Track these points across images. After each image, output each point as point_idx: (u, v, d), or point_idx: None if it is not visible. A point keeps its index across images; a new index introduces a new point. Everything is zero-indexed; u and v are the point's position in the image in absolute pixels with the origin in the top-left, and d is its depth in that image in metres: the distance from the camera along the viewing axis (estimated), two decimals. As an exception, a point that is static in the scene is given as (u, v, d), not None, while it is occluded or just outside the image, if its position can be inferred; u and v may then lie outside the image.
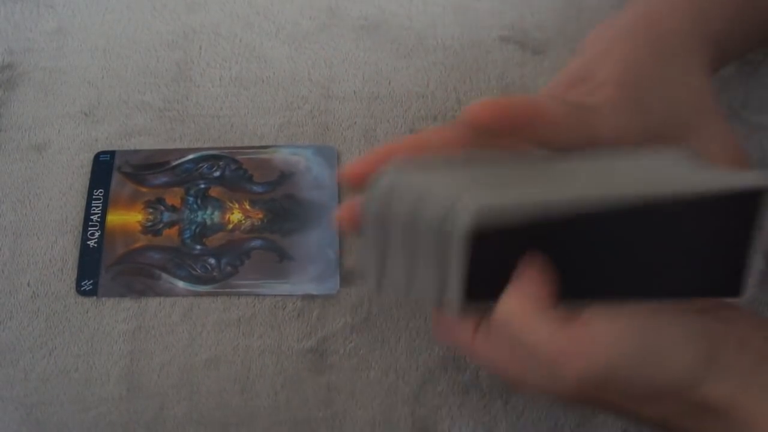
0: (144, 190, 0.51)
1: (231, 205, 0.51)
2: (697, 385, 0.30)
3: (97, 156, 0.52)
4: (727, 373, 0.30)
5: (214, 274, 0.48)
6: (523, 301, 0.30)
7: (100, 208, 0.50)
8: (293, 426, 0.45)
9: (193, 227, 0.50)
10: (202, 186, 0.51)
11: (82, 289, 0.48)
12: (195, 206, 0.50)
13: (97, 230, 0.50)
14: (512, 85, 0.55)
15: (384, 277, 0.34)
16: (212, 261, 0.49)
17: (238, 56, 0.57)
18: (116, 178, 0.51)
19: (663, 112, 0.36)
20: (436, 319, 0.37)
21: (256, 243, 0.49)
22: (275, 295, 0.48)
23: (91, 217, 0.50)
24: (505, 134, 0.34)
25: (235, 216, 0.50)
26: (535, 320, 0.30)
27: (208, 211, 0.50)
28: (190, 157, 0.52)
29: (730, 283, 0.33)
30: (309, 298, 0.48)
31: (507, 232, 0.29)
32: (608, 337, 0.30)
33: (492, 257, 0.31)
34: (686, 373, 0.30)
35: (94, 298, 0.48)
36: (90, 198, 0.51)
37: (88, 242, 0.49)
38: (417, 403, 0.45)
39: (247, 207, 0.50)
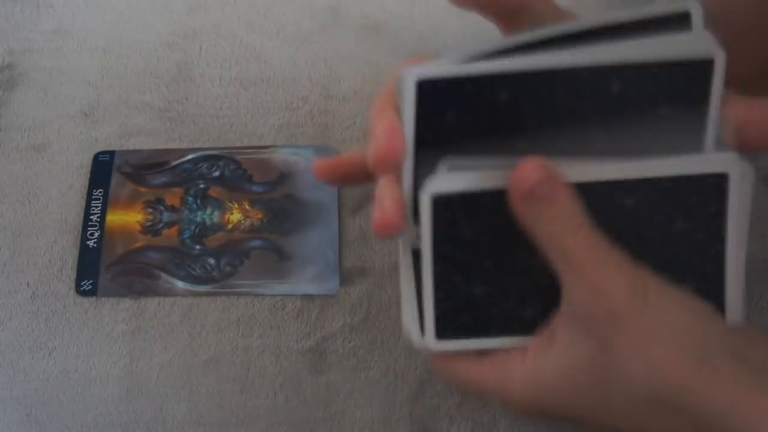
0: (143, 190, 0.51)
1: (230, 205, 0.51)
2: (684, 392, 0.29)
3: (96, 156, 0.52)
4: (723, 381, 0.29)
5: (214, 274, 0.48)
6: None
7: (99, 208, 0.50)
8: (292, 426, 0.45)
9: (193, 227, 0.50)
10: (202, 186, 0.51)
11: (82, 289, 0.48)
12: (194, 206, 0.50)
13: (96, 230, 0.50)
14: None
15: None
16: (212, 261, 0.49)
17: (238, 56, 0.57)
18: (116, 178, 0.51)
19: None
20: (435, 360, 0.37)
21: (256, 243, 0.49)
22: (274, 295, 0.48)
23: (91, 217, 0.50)
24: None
25: (235, 216, 0.50)
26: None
27: (208, 211, 0.50)
28: (190, 157, 0.52)
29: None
30: (308, 298, 0.48)
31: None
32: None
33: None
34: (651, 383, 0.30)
35: (94, 298, 0.48)
36: (89, 198, 0.51)
37: (88, 242, 0.49)
38: (416, 403, 0.45)
39: (247, 207, 0.50)
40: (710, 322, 0.30)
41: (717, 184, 0.31)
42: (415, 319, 0.33)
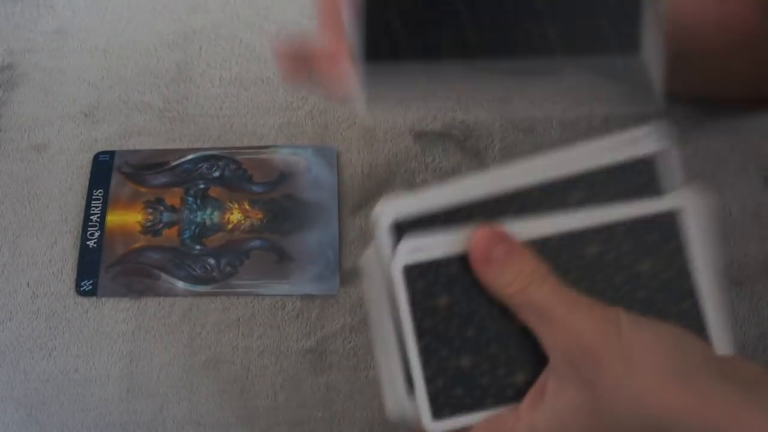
0: (143, 190, 0.51)
1: (230, 205, 0.51)
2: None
3: (96, 156, 0.52)
4: (712, 400, 0.29)
5: (214, 274, 0.48)
6: None
7: (99, 208, 0.50)
8: (292, 426, 0.45)
9: (193, 227, 0.50)
10: (202, 186, 0.51)
11: (82, 289, 0.48)
12: (194, 206, 0.50)
13: (96, 230, 0.50)
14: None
15: None
16: (212, 261, 0.49)
17: (238, 57, 0.57)
18: (116, 178, 0.51)
19: None
20: None
21: (256, 243, 0.49)
22: (274, 296, 0.48)
23: (91, 217, 0.50)
24: None
25: (235, 216, 0.50)
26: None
27: (208, 212, 0.50)
28: (190, 157, 0.52)
29: (628, 41, 0.33)
30: (308, 298, 0.48)
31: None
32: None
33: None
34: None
35: (94, 298, 0.48)
36: (90, 198, 0.51)
37: (88, 242, 0.49)
38: (416, 404, 0.45)
39: (247, 207, 0.50)
40: (691, 344, 0.31)
41: (670, 221, 0.32)
42: (424, 401, 0.33)
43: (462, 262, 0.32)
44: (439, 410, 0.33)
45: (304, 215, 0.50)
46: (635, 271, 0.32)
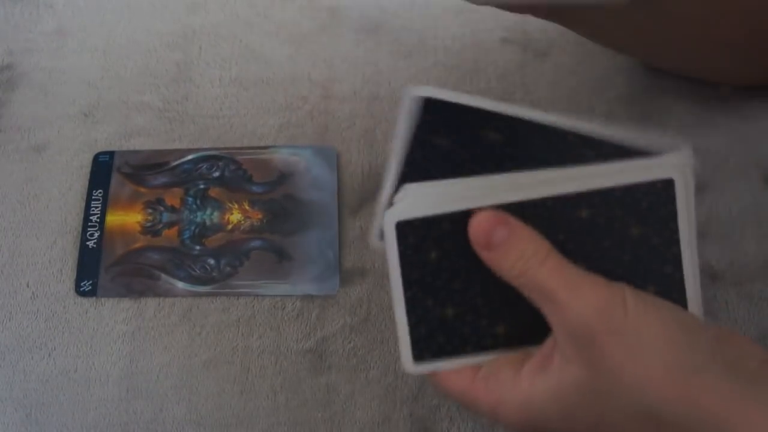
0: (143, 190, 0.51)
1: (230, 205, 0.50)
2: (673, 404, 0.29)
3: (96, 156, 0.52)
4: (715, 392, 0.29)
5: (214, 274, 0.48)
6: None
7: (99, 208, 0.50)
8: (292, 427, 0.45)
9: (193, 227, 0.50)
10: (202, 186, 0.51)
11: (82, 289, 0.48)
12: (194, 207, 0.50)
13: (96, 231, 0.50)
14: (513, 87, 0.55)
15: None
16: (211, 261, 0.49)
17: (238, 57, 0.57)
18: (116, 178, 0.51)
19: None
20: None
21: (256, 243, 0.49)
22: (274, 296, 0.48)
23: (91, 217, 0.50)
24: None
25: (235, 216, 0.50)
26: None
27: (208, 212, 0.50)
28: (190, 157, 0.52)
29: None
30: (308, 298, 0.48)
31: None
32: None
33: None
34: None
35: (94, 298, 0.48)
36: (89, 198, 0.51)
37: (88, 243, 0.49)
38: (416, 404, 0.45)
39: (247, 207, 0.50)
40: (697, 333, 0.30)
41: (664, 189, 0.32)
42: (406, 345, 0.35)
43: (454, 219, 0.32)
44: (419, 354, 0.34)
45: (304, 215, 0.50)
46: (625, 235, 0.33)
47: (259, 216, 0.50)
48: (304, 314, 0.48)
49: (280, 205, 0.50)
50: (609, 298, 0.30)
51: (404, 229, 0.32)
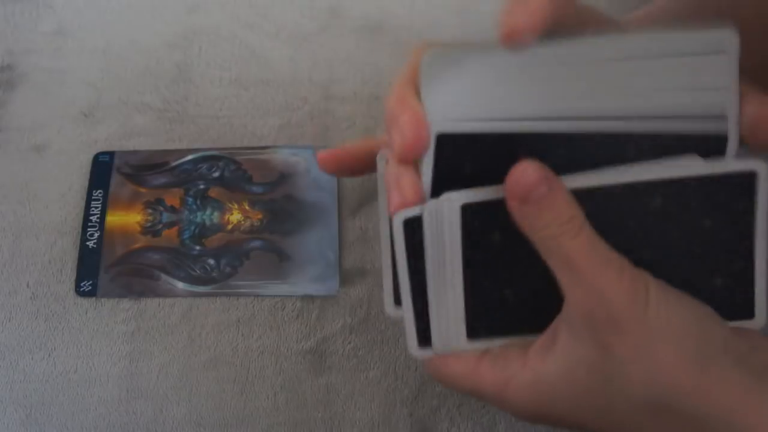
0: (143, 190, 0.51)
1: (230, 205, 0.50)
2: (684, 395, 0.29)
3: (96, 157, 0.52)
4: (725, 385, 0.29)
5: (214, 274, 0.48)
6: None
7: (99, 208, 0.50)
8: (292, 427, 0.45)
9: (193, 228, 0.50)
10: (202, 187, 0.51)
11: (82, 290, 0.48)
12: (194, 207, 0.50)
13: (96, 231, 0.50)
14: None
15: None
16: (211, 262, 0.49)
17: (238, 57, 0.57)
18: (115, 178, 0.51)
19: None
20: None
21: (256, 244, 0.49)
22: (274, 296, 0.48)
23: (91, 217, 0.50)
24: None
25: (235, 216, 0.50)
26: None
27: (208, 212, 0.50)
28: (190, 157, 0.52)
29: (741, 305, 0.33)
30: (308, 298, 0.48)
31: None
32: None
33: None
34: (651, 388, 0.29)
35: (94, 298, 0.48)
36: (89, 199, 0.51)
37: (88, 243, 0.49)
38: (416, 404, 0.45)
39: (247, 208, 0.50)
40: (712, 326, 0.30)
41: (745, 182, 0.31)
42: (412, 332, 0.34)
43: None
44: (473, 331, 0.34)
45: (304, 216, 0.50)
46: (696, 226, 0.32)
47: (259, 216, 0.50)
48: (304, 314, 0.48)
49: (280, 205, 0.50)
50: (633, 284, 0.29)
51: (467, 210, 0.32)
